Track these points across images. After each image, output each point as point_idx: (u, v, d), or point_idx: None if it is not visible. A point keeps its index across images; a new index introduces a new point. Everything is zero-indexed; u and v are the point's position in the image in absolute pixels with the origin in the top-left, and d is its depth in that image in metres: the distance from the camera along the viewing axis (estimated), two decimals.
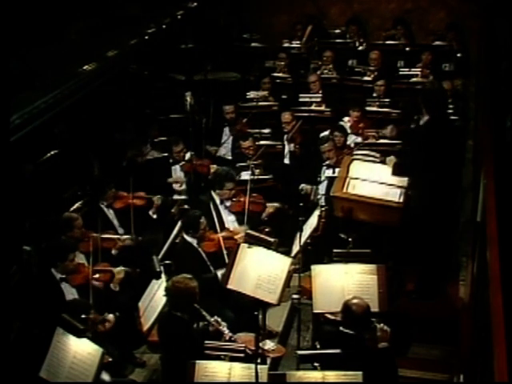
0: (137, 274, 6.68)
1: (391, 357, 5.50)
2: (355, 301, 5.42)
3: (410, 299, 7.11)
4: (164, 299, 5.88)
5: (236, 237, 7.02)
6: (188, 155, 8.39)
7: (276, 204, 7.89)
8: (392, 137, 8.56)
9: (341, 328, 5.38)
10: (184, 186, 8.37)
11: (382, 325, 5.54)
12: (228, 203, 7.57)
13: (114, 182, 7.50)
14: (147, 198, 7.69)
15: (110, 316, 5.98)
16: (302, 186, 8.30)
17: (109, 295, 6.43)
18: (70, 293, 6.23)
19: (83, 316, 5.47)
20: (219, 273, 6.69)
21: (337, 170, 7.58)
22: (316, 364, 5.45)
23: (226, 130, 9.28)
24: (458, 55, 10.71)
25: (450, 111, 8.91)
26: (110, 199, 7.42)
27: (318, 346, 5.69)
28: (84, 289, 6.21)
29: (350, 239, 6.55)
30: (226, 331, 5.81)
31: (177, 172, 8.42)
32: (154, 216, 7.69)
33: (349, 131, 8.95)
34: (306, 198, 7.93)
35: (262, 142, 8.79)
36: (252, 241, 6.21)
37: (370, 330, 5.47)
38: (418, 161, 6.89)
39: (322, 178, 8.10)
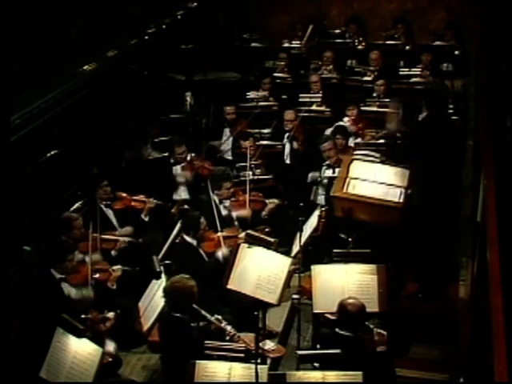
0: (136, 273, 6.67)
1: (389, 360, 5.51)
2: (350, 301, 5.44)
3: (413, 299, 7.11)
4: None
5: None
6: (189, 157, 8.39)
7: (275, 200, 7.89)
8: (394, 131, 8.50)
9: (336, 329, 5.39)
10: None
11: (378, 329, 5.55)
12: (227, 203, 7.58)
13: (107, 179, 7.48)
14: (146, 201, 7.67)
15: (110, 314, 5.98)
16: (311, 174, 8.28)
17: (107, 294, 6.43)
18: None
19: (83, 316, 5.47)
20: (219, 253, 6.70)
21: (337, 170, 7.58)
22: (316, 364, 5.47)
23: (226, 131, 9.28)
24: (456, 53, 10.71)
25: (450, 111, 8.93)
26: (104, 196, 7.38)
27: (319, 346, 5.71)
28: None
29: (350, 239, 6.55)
30: (229, 328, 5.80)
31: (177, 172, 8.41)
32: (146, 219, 7.67)
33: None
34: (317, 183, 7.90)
35: (262, 142, 8.79)
36: (252, 241, 6.21)
37: (367, 330, 5.48)
38: (417, 156, 6.90)
39: (322, 178, 8.10)
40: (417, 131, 7.34)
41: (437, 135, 6.94)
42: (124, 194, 7.59)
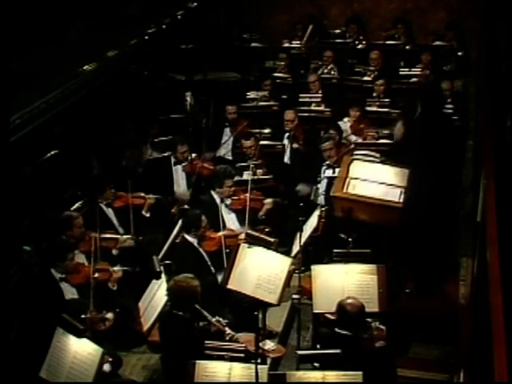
0: (136, 273, 6.67)
1: (389, 355, 5.51)
2: (350, 301, 5.44)
3: (407, 296, 7.12)
4: (164, 299, 5.89)
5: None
6: (193, 155, 8.40)
7: (270, 200, 7.87)
8: (398, 136, 8.48)
9: (336, 329, 5.39)
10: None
11: (376, 324, 5.56)
12: (228, 201, 7.59)
13: (113, 182, 7.50)
14: (146, 197, 7.68)
15: (110, 314, 5.98)
16: (300, 187, 8.29)
17: (108, 294, 6.43)
18: (70, 292, 6.24)
19: (82, 316, 5.47)
20: (219, 276, 6.70)
21: (337, 170, 7.58)
22: (316, 364, 5.47)
23: (227, 130, 9.28)
24: (459, 54, 10.72)
25: (449, 110, 8.93)
26: (109, 198, 7.42)
27: (319, 346, 5.71)
28: (84, 288, 6.21)
29: (350, 239, 6.55)
30: (228, 330, 5.82)
31: (178, 172, 8.41)
32: (147, 215, 7.67)
33: (349, 131, 8.96)
34: (305, 198, 7.93)
35: (262, 142, 8.79)
36: (252, 241, 6.21)
37: (366, 329, 5.49)
38: (415, 154, 6.91)
39: (322, 178, 8.10)
40: (413, 130, 7.34)
41: (433, 133, 6.94)
42: (124, 193, 7.59)
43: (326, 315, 6.02)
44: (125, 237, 7.08)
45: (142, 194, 7.67)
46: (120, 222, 7.45)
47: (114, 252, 6.97)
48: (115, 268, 6.53)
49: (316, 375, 5.08)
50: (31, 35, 7.22)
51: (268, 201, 7.83)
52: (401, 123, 8.41)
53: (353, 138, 8.84)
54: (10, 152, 5.47)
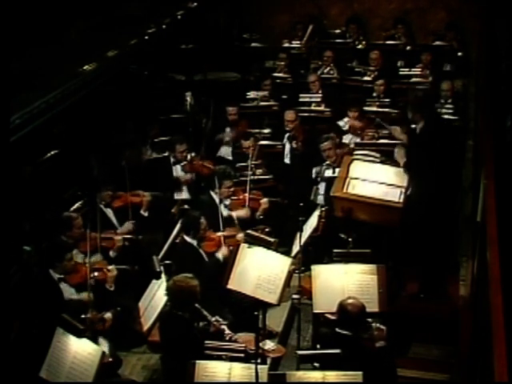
0: (135, 272, 6.68)
1: (389, 356, 5.51)
2: (350, 301, 5.44)
3: (414, 299, 7.12)
4: (164, 299, 5.89)
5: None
6: (189, 156, 8.39)
7: (266, 199, 7.85)
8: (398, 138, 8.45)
9: (337, 329, 5.39)
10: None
11: (377, 324, 5.57)
12: (227, 202, 7.59)
13: (112, 184, 7.50)
14: (142, 195, 7.68)
15: (108, 315, 5.98)
16: (316, 169, 8.29)
17: (106, 293, 6.43)
18: (69, 292, 6.23)
19: (82, 316, 5.48)
20: (220, 254, 6.73)
21: (337, 170, 7.58)
22: (316, 364, 5.47)
23: (227, 130, 9.28)
24: (459, 54, 10.72)
25: (450, 111, 8.93)
26: (107, 199, 7.42)
27: (319, 346, 5.71)
28: (83, 288, 6.21)
29: (350, 239, 6.55)
30: (227, 331, 5.82)
31: (178, 172, 8.41)
32: (146, 214, 7.67)
33: (349, 131, 8.95)
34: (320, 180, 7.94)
35: (262, 142, 8.79)
36: (252, 241, 6.21)
37: (367, 329, 5.49)
38: (419, 162, 6.91)
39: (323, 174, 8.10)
40: (417, 142, 7.32)
41: (437, 141, 6.96)
42: (122, 193, 7.59)
43: (326, 315, 6.03)
44: (119, 237, 7.07)
45: (141, 192, 7.67)
46: (119, 221, 7.45)
47: (112, 254, 6.96)
48: (109, 267, 6.52)
49: (316, 375, 5.08)
50: (31, 35, 7.21)
51: (264, 200, 7.84)
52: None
53: (349, 137, 8.84)
54: (10, 152, 5.47)
